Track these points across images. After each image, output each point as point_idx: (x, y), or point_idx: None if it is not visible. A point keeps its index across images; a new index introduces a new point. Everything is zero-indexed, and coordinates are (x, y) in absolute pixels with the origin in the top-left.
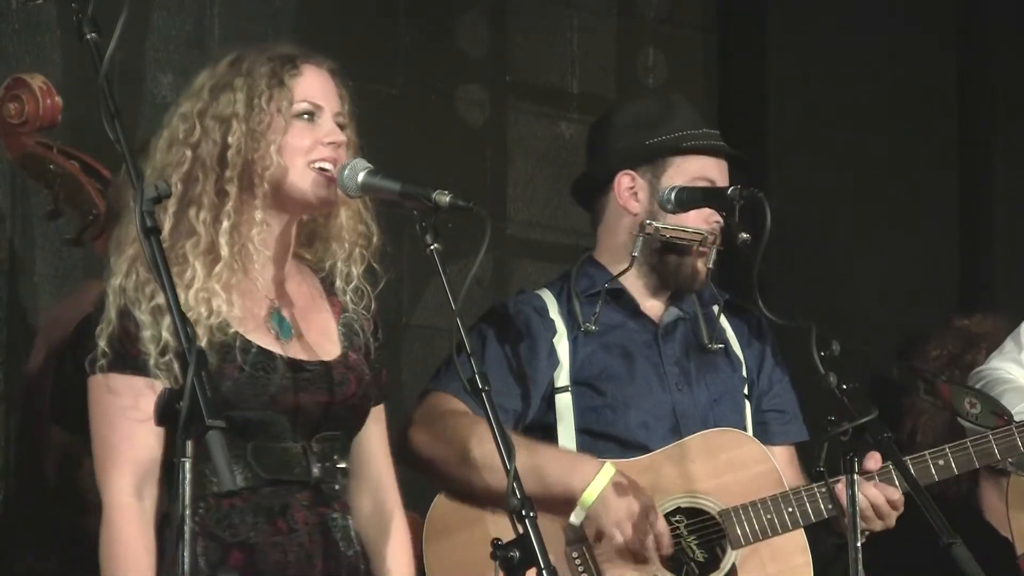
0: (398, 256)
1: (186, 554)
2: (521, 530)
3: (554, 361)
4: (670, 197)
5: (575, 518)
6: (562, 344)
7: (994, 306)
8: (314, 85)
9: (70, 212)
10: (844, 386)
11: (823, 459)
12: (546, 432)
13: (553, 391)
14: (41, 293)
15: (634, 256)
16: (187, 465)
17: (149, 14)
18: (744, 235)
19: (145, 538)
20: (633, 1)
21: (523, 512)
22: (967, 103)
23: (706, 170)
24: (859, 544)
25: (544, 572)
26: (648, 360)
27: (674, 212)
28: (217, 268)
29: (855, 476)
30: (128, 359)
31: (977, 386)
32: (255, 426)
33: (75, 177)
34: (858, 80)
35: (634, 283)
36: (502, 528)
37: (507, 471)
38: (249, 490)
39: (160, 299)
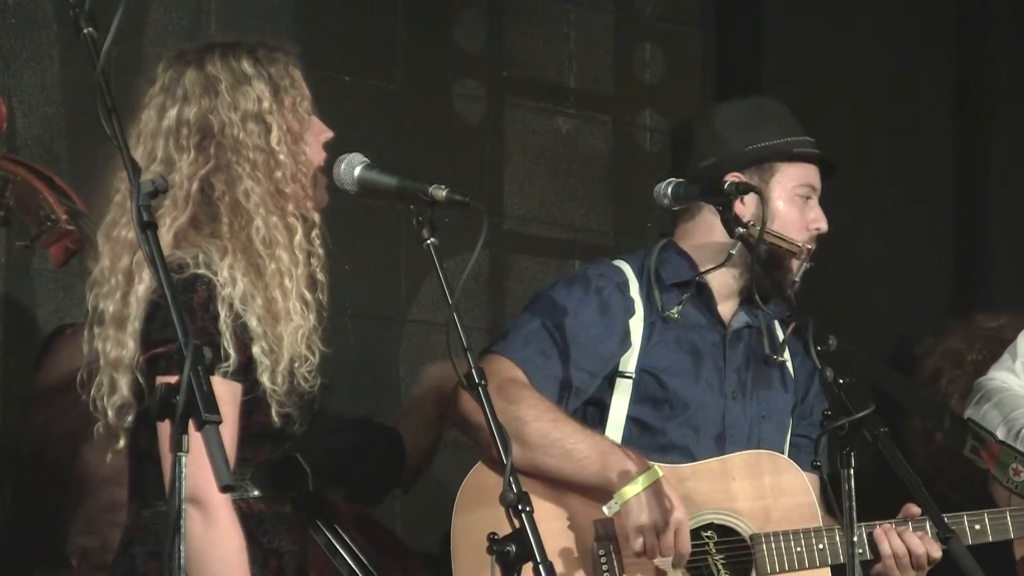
0: (396, 251)
1: (182, 548)
2: (518, 524)
3: (627, 344)
4: (667, 192)
5: (608, 510)
6: (638, 328)
7: (990, 305)
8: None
9: (23, 218)
10: (841, 380)
11: (817, 454)
12: (598, 410)
13: (616, 373)
14: (38, 288)
15: (731, 254)
16: (183, 459)
17: (146, 9)
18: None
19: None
20: None
21: (519, 507)
22: (964, 100)
23: (808, 177)
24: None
25: (541, 568)
26: (713, 362)
27: (671, 206)
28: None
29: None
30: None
31: (976, 398)
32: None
33: (29, 184)
34: (854, 77)
35: (716, 282)
36: (536, 510)
37: (504, 465)
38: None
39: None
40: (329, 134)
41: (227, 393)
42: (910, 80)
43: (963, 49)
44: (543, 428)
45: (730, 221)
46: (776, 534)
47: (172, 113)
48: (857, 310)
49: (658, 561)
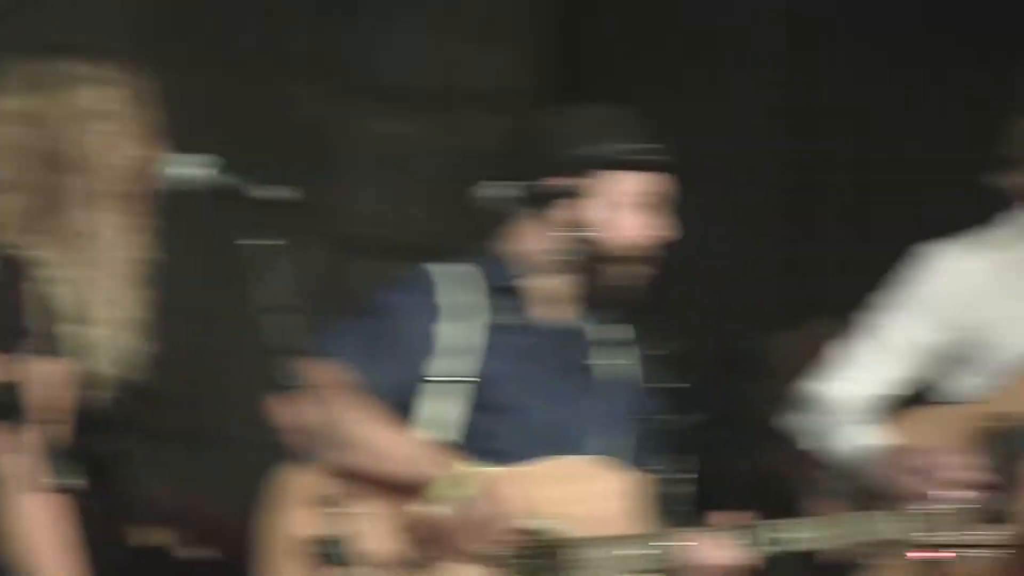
0: (230, 250)
1: None
2: (332, 523)
3: (454, 348)
4: (497, 195)
5: (429, 509)
6: (465, 332)
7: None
8: None
9: None
10: (676, 385)
11: (650, 459)
12: (424, 414)
13: (442, 377)
14: None
15: (561, 259)
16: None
17: None
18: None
19: None
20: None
21: (336, 507)
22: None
23: (641, 183)
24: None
25: (363, 567)
26: (544, 367)
27: (502, 210)
28: None
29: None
30: None
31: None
32: None
33: None
34: (692, 80)
35: (546, 286)
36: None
37: (323, 465)
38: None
39: None
40: (162, 131)
41: (45, 372)
42: (742, 83)
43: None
44: (365, 429)
45: (560, 226)
46: (601, 538)
47: None
48: (690, 312)
49: (478, 562)
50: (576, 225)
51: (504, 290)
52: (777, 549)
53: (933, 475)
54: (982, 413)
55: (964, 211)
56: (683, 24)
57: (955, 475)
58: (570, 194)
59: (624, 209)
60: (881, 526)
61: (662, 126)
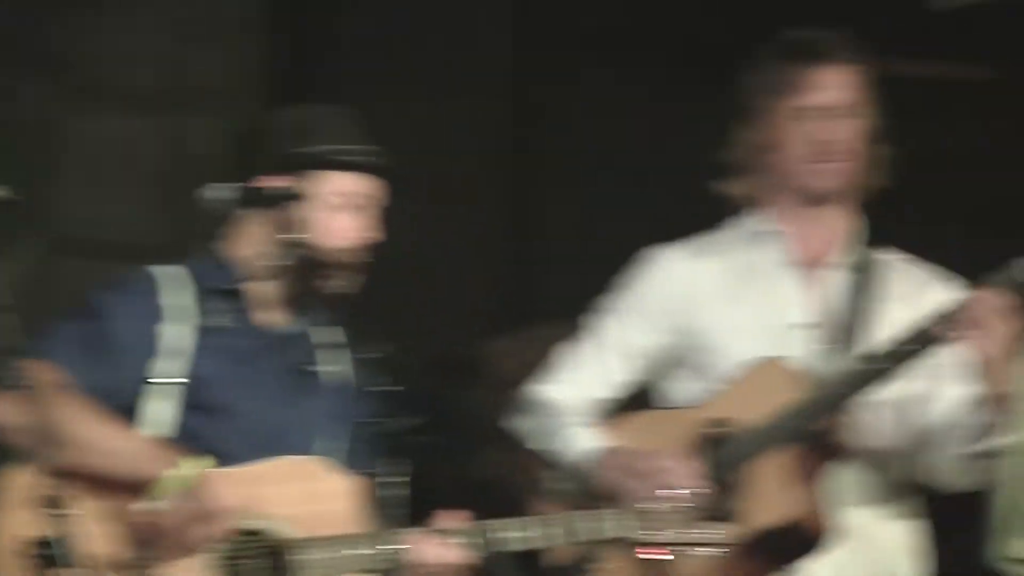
0: None
1: None
2: (52, 524)
3: (165, 351)
4: (214, 197)
5: (148, 505)
6: (178, 335)
7: (545, 317)
8: None
9: None
10: (391, 390)
11: (369, 462)
12: (141, 415)
13: (158, 379)
14: None
15: (276, 263)
16: None
17: None
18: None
19: None
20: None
21: (57, 508)
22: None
23: (354, 184)
24: None
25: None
26: (260, 370)
27: (220, 212)
28: None
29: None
30: None
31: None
32: None
33: None
34: (418, 84)
35: (263, 289)
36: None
37: (42, 462)
38: None
39: None
40: None
41: None
42: (469, 88)
43: (519, 55)
44: (83, 428)
45: (275, 228)
46: (319, 539)
47: None
48: (410, 316)
49: (198, 562)
50: (290, 227)
51: (222, 292)
52: (498, 549)
53: (652, 478)
54: (701, 418)
55: (692, 217)
56: (409, 26)
57: (673, 478)
58: (285, 196)
59: (337, 211)
60: (602, 525)
61: (383, 128)
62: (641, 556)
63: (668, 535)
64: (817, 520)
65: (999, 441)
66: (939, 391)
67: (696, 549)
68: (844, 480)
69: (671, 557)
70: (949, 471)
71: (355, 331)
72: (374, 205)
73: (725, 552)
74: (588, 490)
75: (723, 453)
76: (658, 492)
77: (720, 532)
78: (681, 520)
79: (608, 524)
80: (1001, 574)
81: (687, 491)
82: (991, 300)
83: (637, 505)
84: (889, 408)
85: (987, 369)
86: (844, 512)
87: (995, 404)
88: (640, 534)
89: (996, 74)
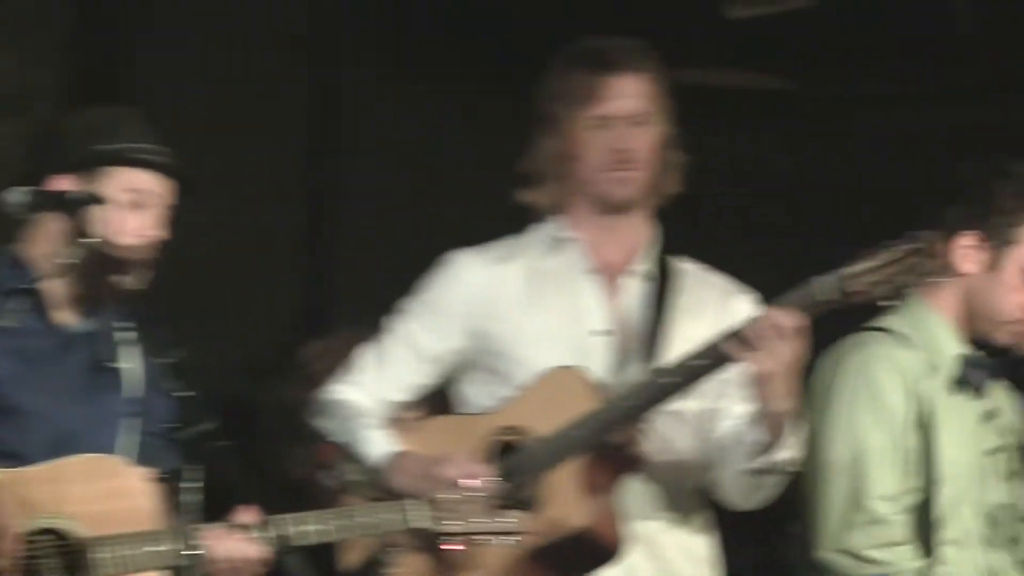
0: None
1: None
2: None
3: None
4: (10, 200)
5: None
6: None
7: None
8: None
9: None
10: (186, 393)
11: (168, 465)
12: None
13: None
14: None
15: (66, 262)
16: None
17: None
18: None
19: None
20: None
21: None
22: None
23: (141, 182)
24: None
25: None
26: (50, 369)
27: (16, 214)
28: None
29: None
30: None
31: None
32: None
33: None
34: (213, 86)
35: (56, 288)
36: None
37: None
38: None
39: None
40: None
41: None
42: (266, 92)
43: (315, 64)
44: None
45: (69, 227)
46: (113, 537)
47: None
48: (213, 318)
49: None
50: (83, 226)
51: (17, 292)
52: (294, 543)
53: (442, 481)
54: (495, 425)
55: (494, 222)
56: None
57: (464, 483)
58: (78, 198)
59: (126, 209)
60: (395, 517)
61: (180, 129)
62: (438, 550)
63: (462, 525)
64: (610, 529)
65: (778, 458)
66: (727, 408)
67: (491, 539)
68: (637, 490)
69: (463, 547)
70: (731, 488)
71: (154, 333)
72: (164, 204)
73: (519, 541)
74: (380, 491)
75: (516, 461)
76: (450, 485)
77: (514, 521)
78: (475, 510)
79: (401, 515)
80: (830, 568)
81: (479, 484)
82: (781, 318)
83: (430, 495)
84: (681, 421)
85: (770, 387)
86: (636, 522)
87: (774, 423)
88: (434, 525)
89: (790, 83)
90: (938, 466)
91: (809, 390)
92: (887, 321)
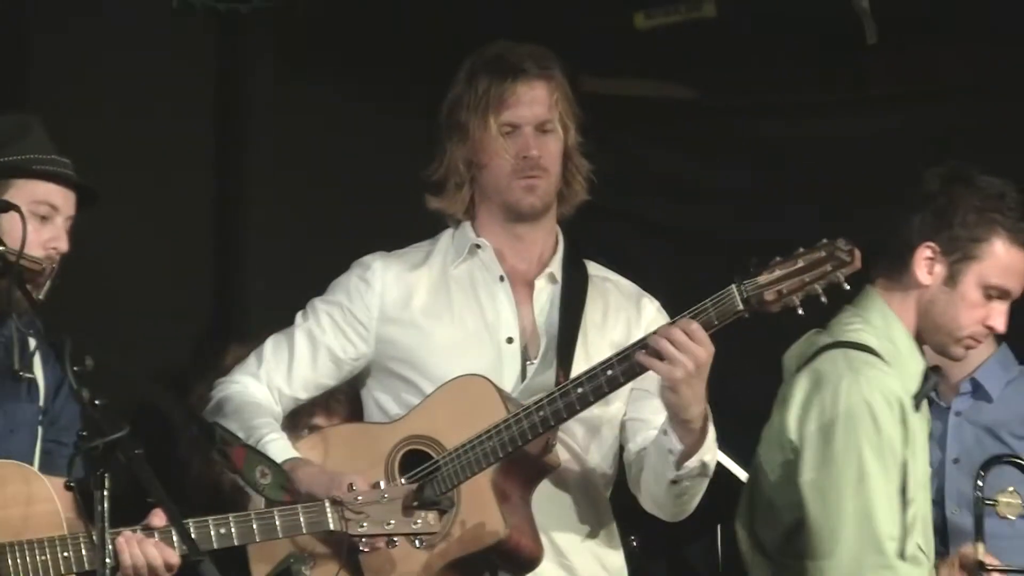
0: None
1: None
2: None
3: None
4: None
5: None
6: None
7: (249, 331)
8: None
9: None
10: (96, 402)
11: (71, 473)
12: None
13: None
14: None
15: None
16: None
17: None
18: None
19: None
20: None
21: None
22: (223, 122)
23: (47, 195)
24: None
25: None
26: None
27: None
28: None
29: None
30: None
31: (217, 400)
32: None
33: None
34: (115, 98)
35: None
36: None
37: None
38: None
39: None
40: None
41: None
42: (172, 102)
43: (221, 68)
44: None
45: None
46: (21, 543)
47: None
48: (120, 327)
49: None
50: None
51: None
52: (202, 546)
53: (340, 487)
54: (401, 434)
55: (407, 228)
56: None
57: (362, 491)
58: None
59: (29, 220)
60: (301, 519)
61: (85, 138)
62: (352, 556)
63: (378, 527)
64: (526, 539)
65: (694, 464)
66: (649, 418)
67: (412, 539)
68: (548, 500)
69: (381, 548)
70: (655, 497)
71: (60, 343)
72: (66, 215)
73: (428, 542)
74: (293, 493)
75: (427, 470)
76: (353, 489)
77: (429, 522)
78: (390, 511)
79: (323, 517)
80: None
81: (391, 488)
82: (690, 328)
83: (340, 498)
84: (593, 431)
85: (681, 395)
86: (548, 532)
87: (688, 430)
88: (353, 527)
89: (696, 93)
90: (911, 485)
91: (778, 397)
92: (862, 336)
